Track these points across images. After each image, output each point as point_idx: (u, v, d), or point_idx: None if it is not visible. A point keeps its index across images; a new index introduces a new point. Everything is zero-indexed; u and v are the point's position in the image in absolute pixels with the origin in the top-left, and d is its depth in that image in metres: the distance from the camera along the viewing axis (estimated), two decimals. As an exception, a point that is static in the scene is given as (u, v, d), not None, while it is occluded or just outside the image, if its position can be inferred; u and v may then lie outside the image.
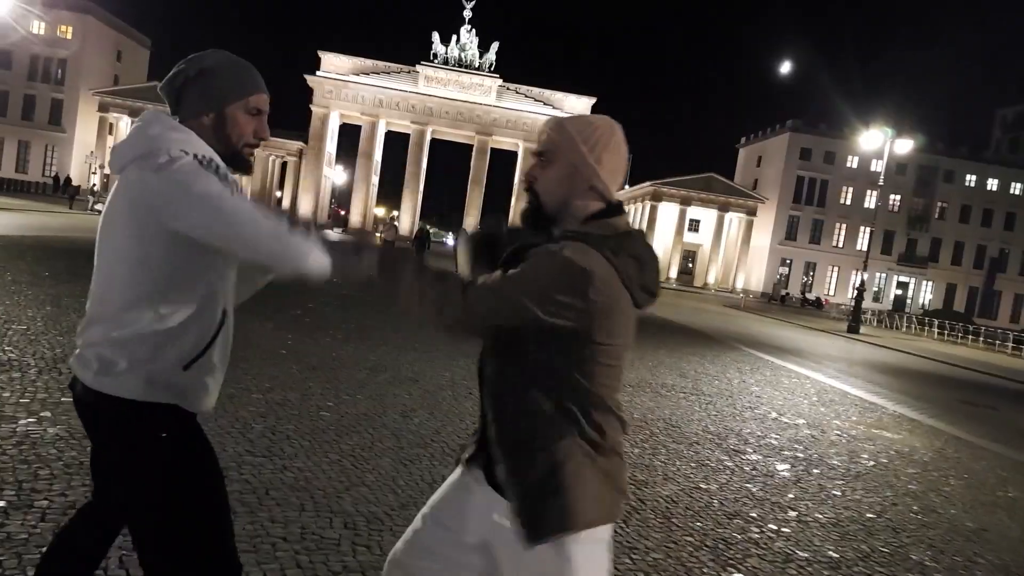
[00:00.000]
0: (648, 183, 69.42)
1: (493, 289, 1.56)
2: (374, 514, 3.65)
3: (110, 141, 67.35)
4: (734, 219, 70.69)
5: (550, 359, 1.59)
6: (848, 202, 71.23)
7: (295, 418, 5.13)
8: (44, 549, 2.05)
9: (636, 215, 72.95)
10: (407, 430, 5.27)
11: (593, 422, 1.63)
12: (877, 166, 58.89)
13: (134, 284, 1.69)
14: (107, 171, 64.41)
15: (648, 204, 69.21)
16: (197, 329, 1.74)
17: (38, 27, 66.33)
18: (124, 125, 65.85)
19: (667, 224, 69.28)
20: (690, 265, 72.74)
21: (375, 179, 74.10)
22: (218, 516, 1.85)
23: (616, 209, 1.68)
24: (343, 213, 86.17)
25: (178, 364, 1.72)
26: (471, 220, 71.57)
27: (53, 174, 63.78)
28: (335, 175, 76.10)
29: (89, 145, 66.47)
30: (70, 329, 6.92)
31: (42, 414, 4.38)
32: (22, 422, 4.20)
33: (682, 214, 69.25)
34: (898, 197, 70.69)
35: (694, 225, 71.62)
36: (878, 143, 31.53)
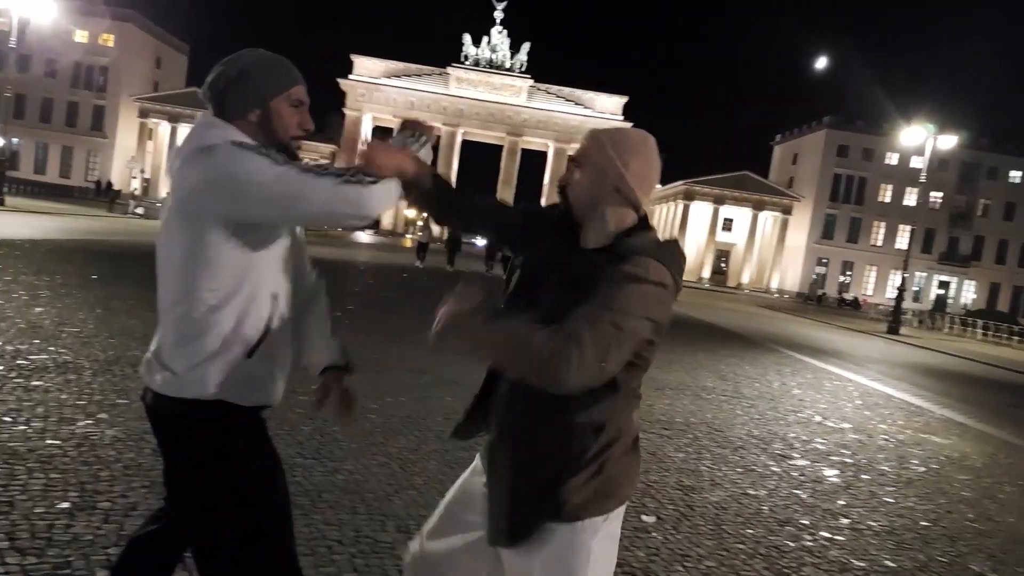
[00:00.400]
0: (680, 182, 68.93)
1: (614, 338, 1.50)
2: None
3: (149, 146, 68.79)
4: (769, 218, 69.89)
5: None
6: (887, 200, 70.00)
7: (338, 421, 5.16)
8: (115, 555, 2.07)
9: (668, 214, 72.48)
10: (452, 433, 5.28)
11: (629, 417, 1.72)
12: (917, 163, 57.70)
13: (181, 277, 1.70)
14: (147, 175, 65.97)
15: (680, 203, 68.71)
16: (251, 316, 1.74)
17: (81, 36, 67.96)
18: (163, 131, 67.22)
19: (700, 223, 68.71)
20: (723, 265, 72.08)
21: (407, 180, 74.41)
22: (284, 523, 1.85)
23: (646, 221, 1.74)
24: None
25: (240, 353, 1.72)
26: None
27: (95, 179, 65.15)
28: (368, 177, 76.66)
29: (130, 150, 67.90)
30: (122, 331, 7.06)
31: (99, 416, 4.48)
32: (80, 424, 4.29)
33: (715, 213, 68.64)
34: (939, 194, 69.26)
35: (727, 224, 70.93)
36: (919, 139, 30.86)
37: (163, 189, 62.99)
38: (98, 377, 5.35)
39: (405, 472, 4.31)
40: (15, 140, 56.94)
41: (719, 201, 68.09)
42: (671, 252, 1.64)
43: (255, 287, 1.74)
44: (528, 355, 1.49)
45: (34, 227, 20.56)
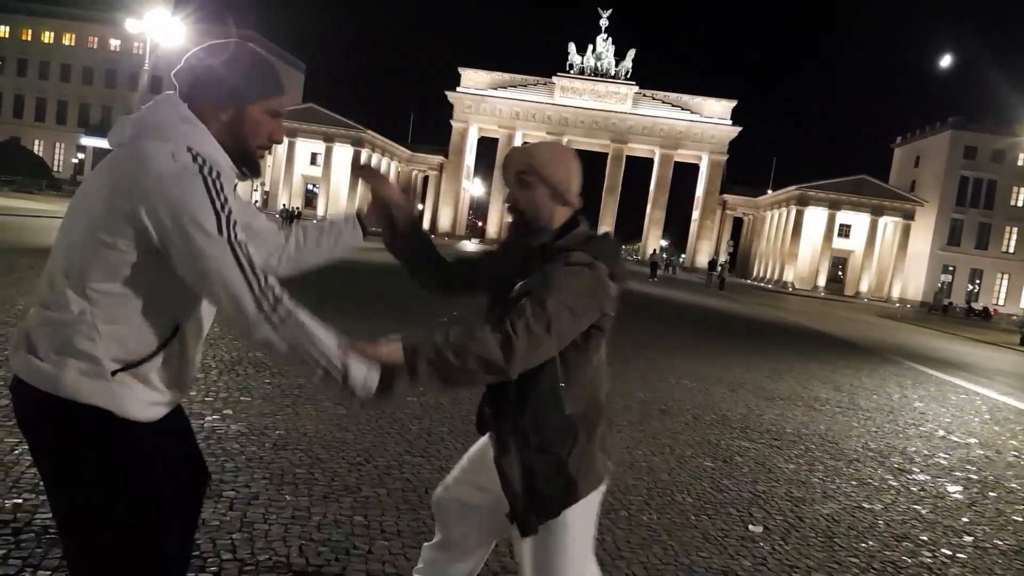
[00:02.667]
0: (793, 187, 66.46)
1: (545, 330, 1.80)
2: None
3: (268, 160, 72.34)
4: (889, 223, 66.34)
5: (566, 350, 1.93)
6: (1020, 204, 65.11)
7: (448, 420, 5.31)
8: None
9: (780, 220, 70.02)
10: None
11: (593, 396, 2.03)
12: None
13: (87, 263, 1.54)
14: (266, 188, 69.56)
15: (793, 209, 66.22)
16: (138, 334, 1.60)
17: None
18: (281, 146, 70.52)
19: (814, 229, 65.99)
20: (840, 273, 68.94)
21: (512, 190, 75.32)
22: (148, 535, 1.65)
23: (575, 218, 2.05)
24: (480, 224, 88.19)
25: (107, 365, 1.57)
26: (607, 228, 71.26)
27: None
28: (473, 187, 78.05)
29: (248, 165, 71.73)
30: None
31: (224, 412, 4.79)
32: (207, 419, 4.60)
33: (831, 219, 65.75)
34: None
35: (844, 230, 67.81)
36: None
37: (280, 201, 66.44)
38: (223, 376, 5.72)
39: (508, 473, 4.39)
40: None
41: (835, 206, 65.17)
42: (602, 243, 1.99)
43: (157, 309, 1.61)
44: (474, 363, 1.77)
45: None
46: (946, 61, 55.70)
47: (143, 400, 1.64)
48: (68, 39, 76.03)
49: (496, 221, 73.03)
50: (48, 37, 76.21)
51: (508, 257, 2.17)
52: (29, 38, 76.14)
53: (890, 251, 66.17)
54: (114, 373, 1.58)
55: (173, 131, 1.58)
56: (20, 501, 3.15)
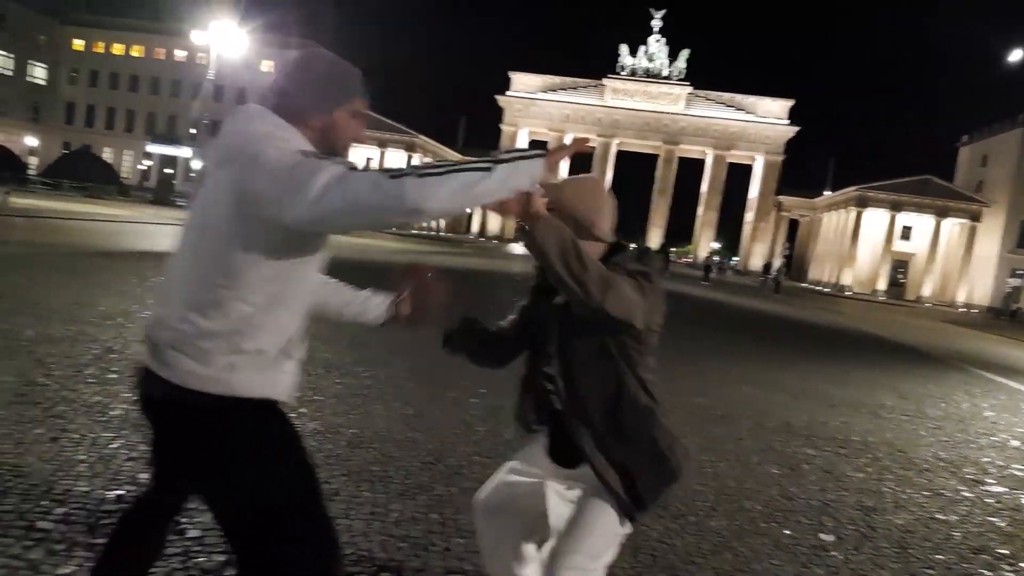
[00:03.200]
0: (853, 188, 64.93)
1: (638, 292, 1.91)
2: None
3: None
4: (953, 225, 64.25)
5: (627, 349, 2.05)
6: (1096, 205, 62.32)
7: (512, 423, 5.38)
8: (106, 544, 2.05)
9: (838, 222, 68.44)
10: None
11: (653, 393, 2.13)
12: None
13: (210, 269, 1.64)
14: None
15: (852, 210, 64.69)
16: (269, 321, 1.70)
17: (266, 65, 74.32)
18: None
19: (874, 231, 64.34)
20: (901, 277, 67.01)
21: (563, 194, 75.40)
22: (310, 498, 1.79)
23: (619, 247, 2.13)
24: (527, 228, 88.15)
25: (271, 353, 1.71)
26: (657, 230, 70.67)
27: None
28: (524, 190, 78.23)
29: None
30: (312, 336, 7.71)
31: (300, 410, 4.95)
32: (285, 418, 4.77)
33: (892, 220, 64.02)
34: None
35: (906, 232, 65.91)
36: None
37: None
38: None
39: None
40: (212, 163, 62.91)
41: (896, 208, 63.42)
42: (650, 259, 2.06)
43: (278, 295, 1.71)
44: (586, 270, 1.80)
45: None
46: (1016, 55, 53.67)
47: (289, 378, 1.79)
48: (137, 51, 78.89)
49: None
50: (119, 49, 79.15)
51: (539, 301, 2.24)
52: (101, 50, 79.25)
53: (955, 254, 64.10)
54: (274, 358, 1.71)
55: (272, 138, 1.64)
56: (123, 492, 3.33)
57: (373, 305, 2.22)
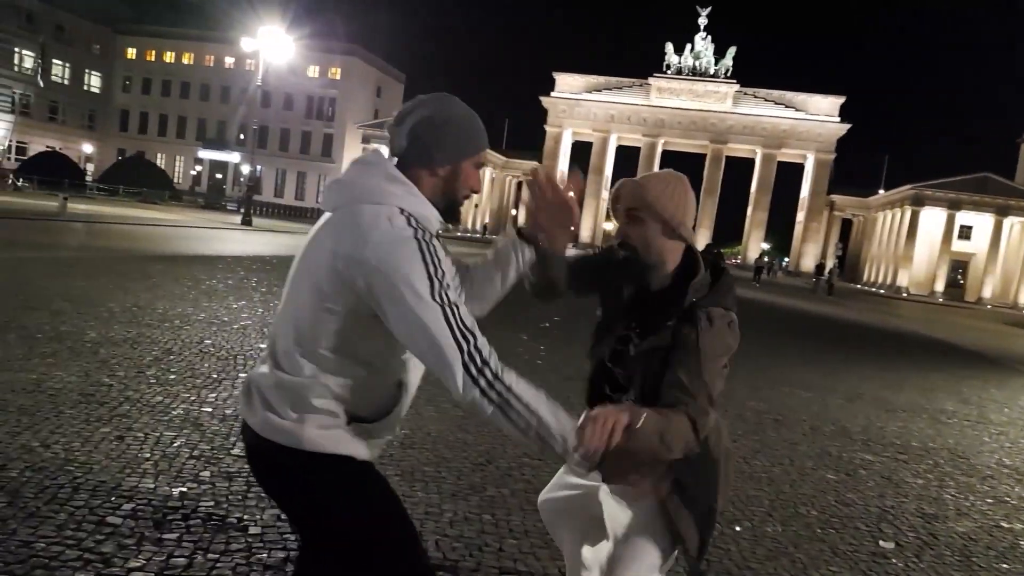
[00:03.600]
0: (908, 186, 63.15)
1: (708, 401, 1.88)
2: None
3: (372, 169, 74.64)
4: (1016, 224, 62.08)
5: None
6: None
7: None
8: None
9: (893, 222, 66.74)
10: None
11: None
12: None
13: (316, 329, 1.63)
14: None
15: (908, 209, 62.91)
16: (367, 392, 1.70)
17: (312, 71, 75.65)
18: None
19: (931, 231, 62.45)
20: (959, 277, 64.97)
21: (605, 194, 74.90)
22: (408, 541, 1.80)
23: (693, 253, 2.01)
24: (573, 229, 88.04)
25: (343, 418, 1.69)
26: (704, 231, 69.83)
27: (325, 200, 71.99)
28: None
29: (354, 173, 74.17)
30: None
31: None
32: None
33: (950, 219, 62.05)
34: None
35: (964, 232, 63.85)
36: None
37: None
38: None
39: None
40: (259, 167, 64.28)
41: (954, 206, 61.46)
42: (725, 287, 1.98)
43: (384, 368, 1.71)
44: (679, 442, 1.81)
45: (278, 244, 23.22)
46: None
47: (374, 444, 1.77)
48: (187, 58, 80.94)
49: (589, 225, 72.79)
50: (169, 57, 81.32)
51: (615, 274, 2.14)
52: (153, 58, 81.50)
53: (1016, 254, 61.86)
54: (349, 422, 1.69)
55: (385, 194, 1.64)
56: (185, 490, 3.44)
57: (511, 254, 1.98)
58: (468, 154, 1.75)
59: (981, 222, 62.90)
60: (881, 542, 3.95)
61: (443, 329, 1.52)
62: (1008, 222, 61.60)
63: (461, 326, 1.54)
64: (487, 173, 74.68)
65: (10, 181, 43.99)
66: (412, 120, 1.70)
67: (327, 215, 1.70)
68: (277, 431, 1.65)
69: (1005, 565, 3.86)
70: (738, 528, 3.87)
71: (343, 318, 1.60)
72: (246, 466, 3.81)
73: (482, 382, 1.52)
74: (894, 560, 3.73)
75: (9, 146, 61.32)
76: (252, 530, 3.12)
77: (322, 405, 1.65)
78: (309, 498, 1.71)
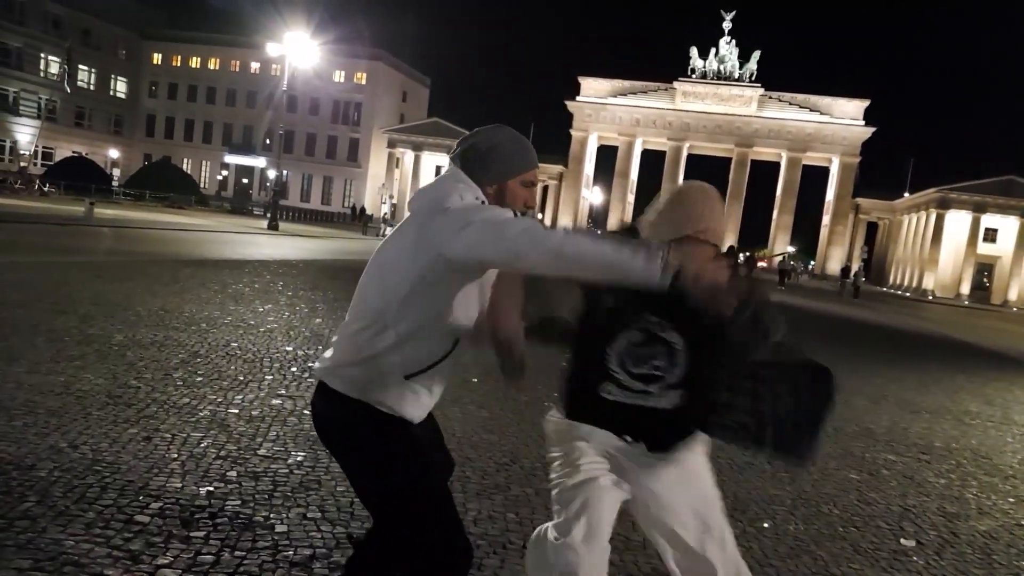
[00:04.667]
0: (932, 189, 62.32)
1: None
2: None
3: (396, 174, 74.97)
4: (1042, 227, 60.95)
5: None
6: None
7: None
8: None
9: (918, 225, 65.87)
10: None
11: None
12: None
13: (391, 295, 1.88)
14: (395, 200, 71.99)
15: (933, 212, 62.07)
16: (428, 347, 1.92)
17: (338, 76, 76.19)
18: (408, 159, 72.85)
19: (956, 234, 61.57)
20: (985, 280, 63.95)
21: (631, 198, 74.82)
22: (443, 503, 2.02)
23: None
24: (599, 232, 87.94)
25: (400, 373, 1.92)
26: (730, 235, 69.37)
27: (351, 204, 72.41)
28: (592, 196, 77.95)
29: (379, 178, 74.51)
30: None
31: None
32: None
33: (975, 222, 61.13)
34: None
35: (990, 235, 62.84)
36: None
37: (407, 213, 67.92)
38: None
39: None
40: (285, 172, 64.88)
41: (980, 209, 60.54)
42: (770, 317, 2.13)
43: (440, 325, 1.92)
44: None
45: (303, 249, 23.46)
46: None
47: (418, 403, 1.99)
48: (213, 63, 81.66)
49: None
50: (196, 62, 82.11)
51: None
52: (179, 63, 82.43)
53: (1044, 256, 60.78)
54: (407, 377, 1.93)
55: (457, 189, 1.93)
56: (212, 489, 3.52)
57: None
58: (513, 174, 2.01)
59: (1007, 225, 61.92)
60: (903, 540, 3.95)
61: (514, 219, 1.79)
62: (1036, 224, 60.45)
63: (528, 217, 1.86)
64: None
65: (36, 186, 44.75)
66: (462, 148, 2.02)
67: (410, 213, 2.00)
68: (351, 385, 1.93)
69: (1029, 566, 3.84)
70: (765, 525, 3.90)
71: (427, 286, 1.84)
72: (272, 466, 3.90)
73: (560, 231, 1.73)
74: (915, 558, 3.73)
75: (35, 151, 62.24)
76: (279, 528, 3.19)
77: (393, 363, 1.90)
78: (360, 445, 1.96)
